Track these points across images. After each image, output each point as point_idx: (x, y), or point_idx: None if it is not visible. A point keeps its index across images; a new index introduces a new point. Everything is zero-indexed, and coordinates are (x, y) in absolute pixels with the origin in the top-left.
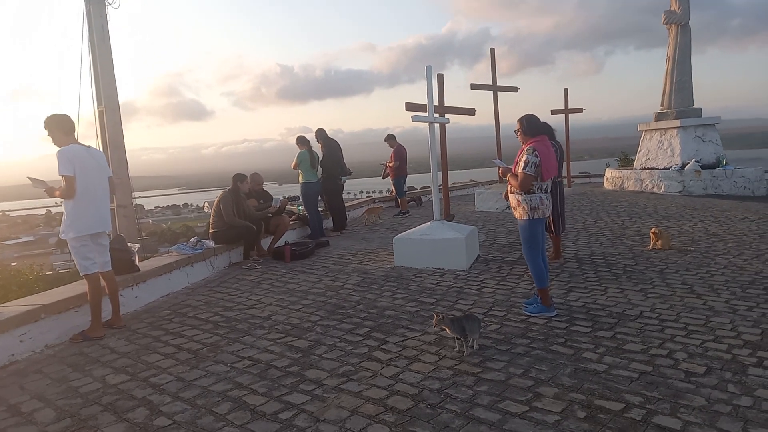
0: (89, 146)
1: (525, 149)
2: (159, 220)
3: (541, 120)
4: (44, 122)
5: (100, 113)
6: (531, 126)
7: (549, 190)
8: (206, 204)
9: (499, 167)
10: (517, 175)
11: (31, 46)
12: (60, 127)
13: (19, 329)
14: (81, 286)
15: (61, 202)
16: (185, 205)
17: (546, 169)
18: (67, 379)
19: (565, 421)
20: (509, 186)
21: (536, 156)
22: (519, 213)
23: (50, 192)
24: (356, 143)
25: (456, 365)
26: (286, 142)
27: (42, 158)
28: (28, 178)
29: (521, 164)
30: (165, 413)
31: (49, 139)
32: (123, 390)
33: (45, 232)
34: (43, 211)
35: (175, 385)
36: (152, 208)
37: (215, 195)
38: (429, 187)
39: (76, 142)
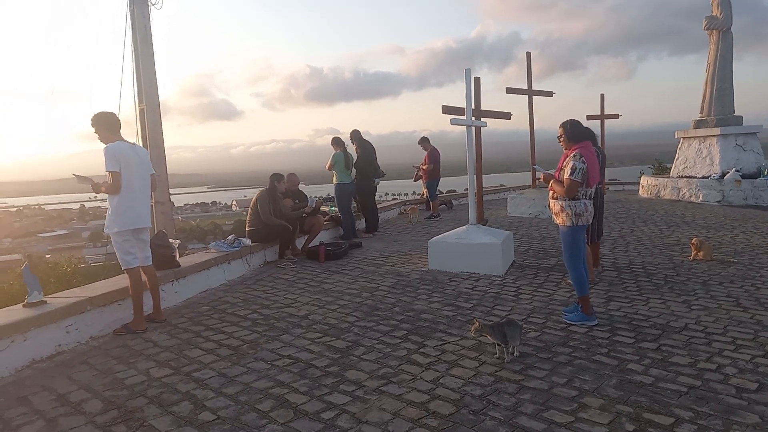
0: (134, 144)
1: (571, 155)
2: (188, 217)
3: (583, 125)
4: (91, 120)
5: (141, 111)
6: (575, 132)
7: (593, 197)
8: (234, 202)
9: (541, 173)
10: (561, 182)
11: (69, 46)
12: (107, 125)
13: (66, 320)
14: (123, 280)
15: (104, 197)
16: (213, 203)
17: (592, 176)
18: (112, 370)
19: None
20: (551, 192)
21: (583, 162)
22: (562, 219)
23: (96, 188)
24: (383, 145)
25: (497, 372)
26: (314, 143)
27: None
28: (74, 174)
29: (568, 170)
30: (209, 408)
31: (96, 136)
32: (167, 383)
33: (78, 226)
34: (77, 206)
35: (217, 380)
36: (182, 205)
37: (243, 194)
38: (455, 190)
39: (121, 139)
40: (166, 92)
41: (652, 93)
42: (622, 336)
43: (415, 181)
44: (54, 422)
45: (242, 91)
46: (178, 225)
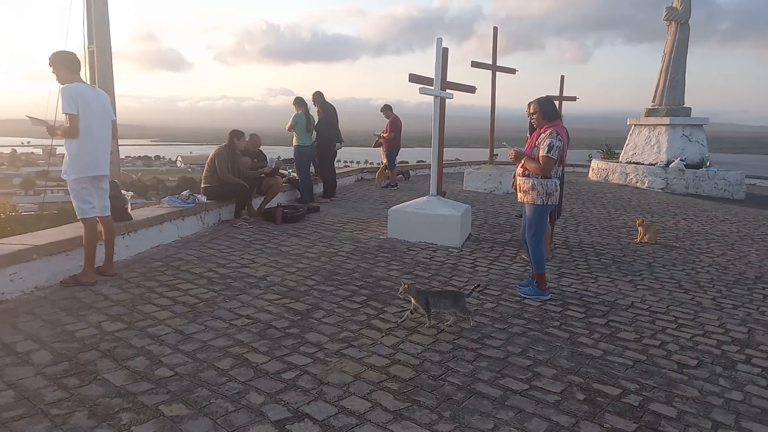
0: (94, 86)
1: (546, 132)
2: (129, 170)
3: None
4: (49, 58)
5: (91, 53)
6: (549, 109)
7: (561, 176)
8: (179, 158)
9: (511, 150)
10: (534, 159)
11: None
12: (66, 64)
13: (9, 268)
14: (72, 230)
15: (36, 141)
16: (157, 157)
17: (564, 154)
18: (60, 322)
19: (565, 401)
20: (521, 169)
21: (559, 140)
22: (531, 197)
23: (51, 131)
24: (339, 111)
25: (455, 339)
26: (266, 102)
27: (11, 94)
28: (28, 116)
29: (544, 147)
30: (166, 364)
31: (54, 76)
32: (120, 338)
33: (9, 171)
34: (8, 150)
35: (173, 337)
36: (123, 157)
37: (189, 150)
38: (407, 161)
39: (80, 80)
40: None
41: (605, 79)
42: (573, 311)
43: (374, 146)
44: (0, 372)
45: (193, 41)
46: (119, 178)
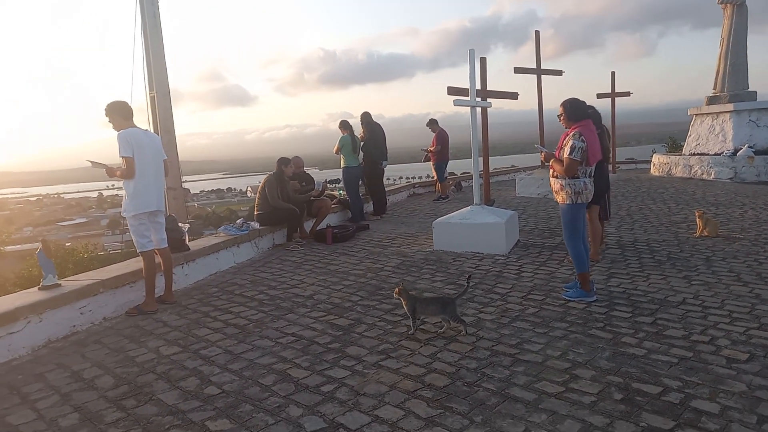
0: (146, 130)
1: (570, 134)
2: (204, 204)
3: (587, 104)
4: (105, 109)
5: (152, 99)
6: (575, 110)
7: (592, 175)
8: (249, 188)
9: (541, 152)
10: (561, 160)
11: (82, 35)
12: (120, 113)
13: (79, 302)
14: (135, 263)
15: (119, 183)
16: (229, 189)
17: (591, 154)
18: (124, 349)
19: (601, 402)
20: (551, 171)
21: (582, 141)
22: (561, 197)
23: (110, 172)
24: (396, 129)
25: (493, 346)
26: (327, 127)
27: (94, 142)
28: (88, 161)
29: (567, 149)
30: (214, 383)
31: (110, 124)
32: (175, 360)
33: (97, 214)
34: (95, 194)
35: (223, 357)
36: (197, 192)
37: (258, 179)
38: (469, 172)
39: (134, 125)
40: (179, 78)
41: (673, 70)
42: (620, 311)
43: (423, 161)
44: (68, 397)
45: (255, 76)
46: (194, 212)
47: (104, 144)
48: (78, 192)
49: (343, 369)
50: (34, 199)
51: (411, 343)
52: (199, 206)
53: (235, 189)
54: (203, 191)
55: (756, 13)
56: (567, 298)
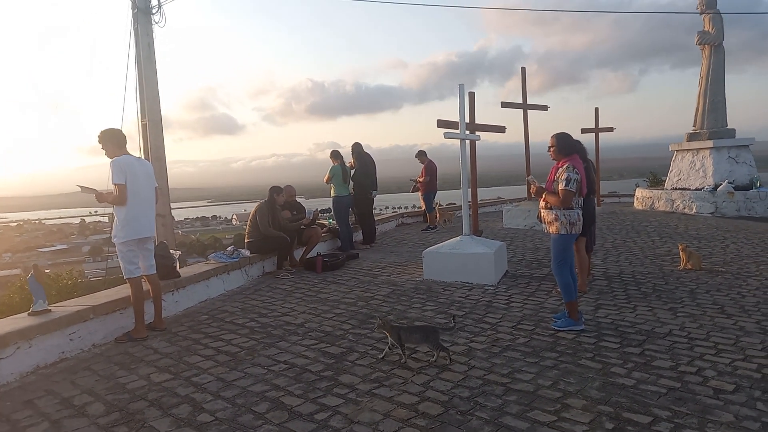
0: (139, 157)
1: (563, 167)
2: (188, 231)
3: (574, 138)
4: (98, 136)
5: (143, 126)
6: (566, 144)
7: (582, 207)
8: (235, 216)
9: (533, 184)
10: (555, 193)
11: (72, 60)
12: (113, 140)
13: (69, 328)
14: (125, 290)
15: (105, 212)
16: (214, 217)
17: (583, 186)
18: (114, 376)
19: (592, 431)
20: (543, 203)
21: (576, 173)
22: (555, 228)
23: (100, 198)
24: (383, 159)
25: (485, 375)
26: (315, 157)
27: (77, 170)
28: (78, 185)
29: (563, 181)
30: (207, 410)
31: (102, 151)
32: (167, 388)
33: (78, 240)
34: (77, 221)
35: (215, 384)
36: (182, 219)
37: (243, 208)
38: (455, 203)
39: (127, 153)
40: (167, 106)
41: (653, 106)
42: (608, 341)
43: (412, 192)
44: (58, 424)
45: (243, 105)
46: (179, 239)
47: (90, 171)
48: (59, 218)
49: (337, 397)
50: (15, 224)
51: (403, 371)
52: (183, 234)
53: (220, 217)
54: (188, 219)
55: (733, 54)
56: (556, 328)
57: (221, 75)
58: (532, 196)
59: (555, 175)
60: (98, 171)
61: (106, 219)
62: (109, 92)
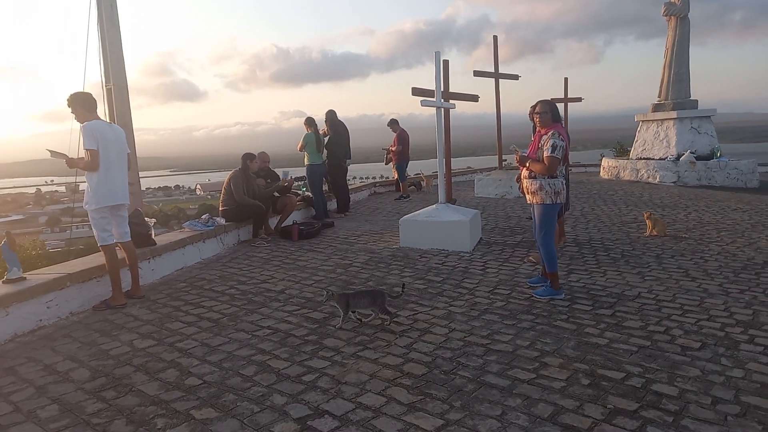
0: (111, 123)
1: (548, 134)
2: (151, 201)
3: None
4: (67, 99)
5: (108, 91)
6: (556, 111)
7: (566, 175)
8: (198, 186)
9: (516, 152)
10: (539, 161)
11: (28, 23)
12: (83, 104)
13: (46, 296)
14: (101, 258)
15: (60, 179)
16: (177, 186)
17: (567, 154)
18: (95, 342)
19: (570, 387)
20: (527, 172)
21: (562, 140)
22: (540, 197)
23: (71, 163)
24: (351, 129)
25: (466, 337)
26: (280, 126)
27: (32, 137)
28: (48, 150)
29: (548, 148)
30: (195, 374)
31: (72, 115)
32: (152, 353)
33: (35, 210)
34: (32, 190)
35: (200, 350)
36: (144, 189)
37: (207, 177)
38: (420, 173)
39: (98, 118)
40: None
41: (618, 77)
42: (581, 304)
43: (386, 164)
44: (44, 389)
45: (206, 71)
46: (143, 210)
47: (45, 138)
48: (14, 187)
49: (323, 360)
50: None
51: (386, 335)
52: (145, 204)
53: (183, 186)
54: (149, 188)
55: (696, 26)
56: (537, 296)
57: (181, 39)
58: (516, 162)
59: (539, 142)
60: (54, 138)
61: (63, 188)
62: (67, 56)
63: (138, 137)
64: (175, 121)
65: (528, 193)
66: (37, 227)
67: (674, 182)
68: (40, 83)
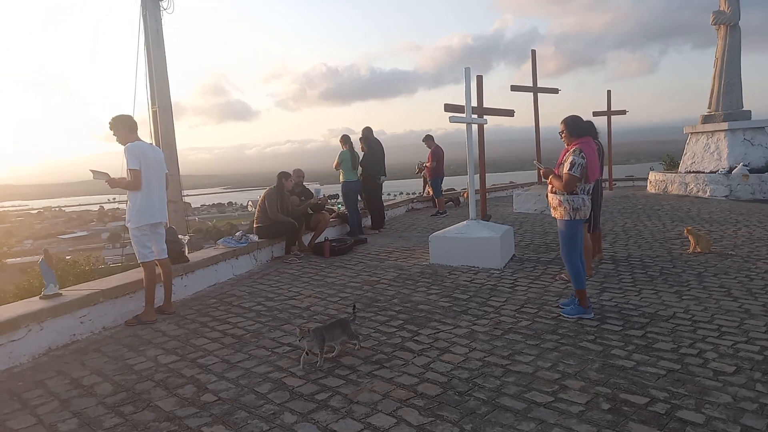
0: (151, 144)
1: (571, 150)
2: (205, 218)
3: (585, 120)
4: (110, 122)
5: (154, 113)
6: (576, 127)
7: (591, 192)
8: (250, 203)
9: (539, 168)
10: (560, 176)
11: (86, 51)
12: (125, 126)
13: (80, 311)
14: (135, 274)
15: (121, 197)
16: (230, 203)
17: (591, 171)
18: (122, 357)
19: (589, 411)
20: (550, 186)
21: (583, 158)
22: (560, 213)
23: (112, 183)
24: (398, 144)
25: (485, 357)
26: (328, 143)
27: (91, 157)
28: (91, 170)
29: (567, 165)
30: (211, 390)
31: (114, 137)
32: (173, 369)
33: (97, 227)
34: (96, 207)
35: (220, 366)
36: (198, 206)
37: (258, 194)
38: (463, 190)
39: (140, 139)
40: (180, 92)
41: (673, 88)
42: (611, 324)
43: (417, 172)
44: (67, 403)
45: (257, 91)
46: (195, 225)
47: (104, 158)
48: (79, 205)
49: (338, 378)
50: (35, 212)
51: (404, 353)
52: (199, 220)
53: (235, 203)
54: (204, 205)
55: (750, 34)
56: (565, 315)
57: (234, 59)
58: (541, 177)
59: (563, 158)
60: (111, 158)
61: (124, 206)
62: (121, 82)
63: (193, 156)
64: (229, 140)
65: (552, 208)
66: (99, 243)
67: (726, 196)
68: (97, 106)
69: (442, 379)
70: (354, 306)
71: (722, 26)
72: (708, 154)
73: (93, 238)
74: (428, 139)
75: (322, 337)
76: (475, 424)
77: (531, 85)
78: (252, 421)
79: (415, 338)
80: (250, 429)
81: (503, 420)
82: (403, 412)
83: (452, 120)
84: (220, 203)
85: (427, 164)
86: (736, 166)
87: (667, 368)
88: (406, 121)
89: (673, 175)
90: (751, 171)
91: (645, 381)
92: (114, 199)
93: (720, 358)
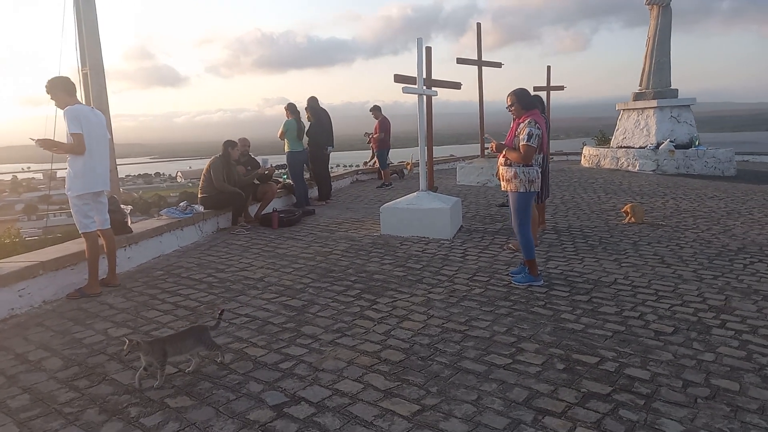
0: (92, 108)
1: (525, 122)
2: (130, 189)
3: (531, 93)
4: (46, 85)
5: (84, 75)
6: (525, 100)
7: (542, 164)
8: (179, 174)
9: (492, 143)
10: (515, 149)
11: (3, 8)
12: (63, 89)
13: (18, 284)
14: (76, 246)
15: (36, 166)
16: (157, 174)
17: (544, 142)
18: (69, 331)
19: (545, 371)
20: (503, 159)
21: (538, 128)
22: (514, 185)
23: (59, 147)
24: (335, 116)
25: (444, 323)
26: (263, 113)
27: (8, 122)
28: (31, 138)
29: (524, 136)
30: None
31: (52, 102)
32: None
33: (11, 198)
34: (8, 177)
35: None
36: (123, 176)
37: (188, 165)
38: (404, 162)
39: (79, 102)
40: (104, 55)
41: (603, 65)
42: (558, 291)
43: (368, 143)
44: (15, 378)
45: (187, 56)
46: (121, 197)
47: (26, 124)
48: None
49: (300, 347)
50: None
51: (364, 322)
52: (124, 191)
53: (164, 174)
54: (129, 176)
55: (680, 15)
56: (516, 283)
57: (161, 20)
58: (492, 151)
59: (516, 130)
60: (31, 124)
61: (40, 176)
62: (43, 39)
63: (117, 123)
64: (156, 107)
65: (503, 181)
66: (13, 215)
67: (653, 170)
68: (14, 67)
69: (404, 345)
70: (221, 311)
71: (655, 6)
72: (638, 130)
73: (6, 209)
74: (375, 109)
75: (162, 351)
76: (440, 386)
77: (476, 58)
78: (217, 391)
79: (373, 307)
80: (215, 399)
81: (466, 382)
82: (369, 378)
83: (405, 90)
84: (146, 173)
85: (374, 135)
86: (663, 142)
87: (613, 330)
88: (345, 92)
89: (606, 149)
90: (677, 147)
91: (594, 342)
92: (29, 168)
93: (659, 319)
